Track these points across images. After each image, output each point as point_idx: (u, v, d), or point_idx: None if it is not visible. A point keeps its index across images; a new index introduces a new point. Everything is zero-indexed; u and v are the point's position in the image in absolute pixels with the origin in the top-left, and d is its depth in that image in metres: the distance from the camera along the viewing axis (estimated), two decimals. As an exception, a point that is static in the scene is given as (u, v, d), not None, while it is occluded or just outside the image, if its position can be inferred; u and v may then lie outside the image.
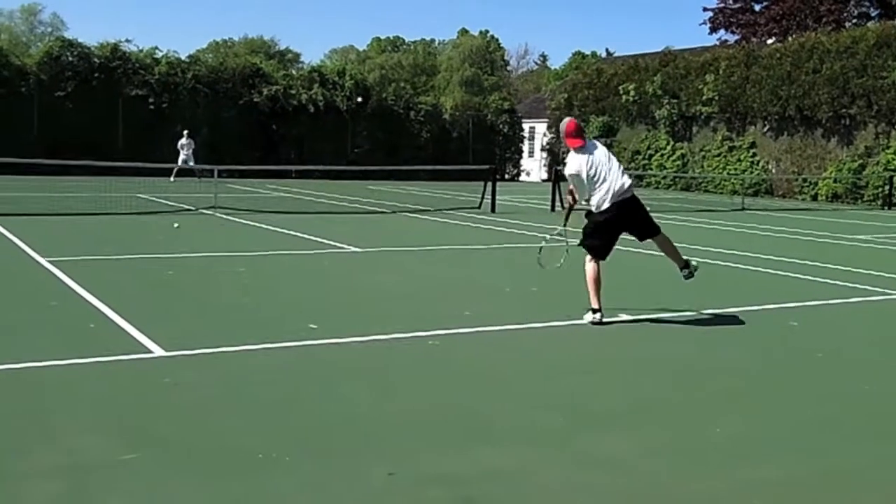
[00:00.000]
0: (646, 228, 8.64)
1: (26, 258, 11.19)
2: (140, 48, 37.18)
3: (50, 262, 10.72)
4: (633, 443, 4.94)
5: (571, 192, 8.75)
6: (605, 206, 8.22)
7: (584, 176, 8.19)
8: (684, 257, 8.89)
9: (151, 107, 35.59)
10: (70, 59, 34.80)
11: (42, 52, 36.22)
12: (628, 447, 4.86)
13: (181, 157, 30.75)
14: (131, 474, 4.25)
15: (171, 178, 30.05)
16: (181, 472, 4.31)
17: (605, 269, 8.34)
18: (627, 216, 8.38)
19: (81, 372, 6.01)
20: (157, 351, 6.55)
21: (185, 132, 31.51)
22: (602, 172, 8.16)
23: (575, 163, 8.24)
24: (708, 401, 5.89)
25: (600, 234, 8.39)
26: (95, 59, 35.20)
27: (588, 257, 8.40)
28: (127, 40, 37.11)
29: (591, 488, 4.27)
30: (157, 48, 37.54)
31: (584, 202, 8.59)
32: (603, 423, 5.30)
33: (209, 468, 4.36)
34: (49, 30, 71.82)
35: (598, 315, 8.14)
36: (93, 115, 34.04)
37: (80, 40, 36.07)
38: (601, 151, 8.33)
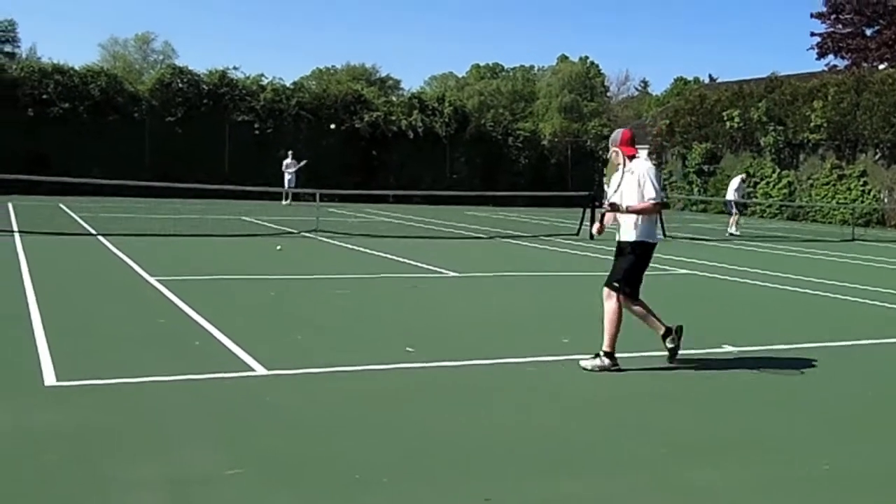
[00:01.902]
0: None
1: (136, 277, 11.60)
2: (247, 75, 38.28)
3: (158, 280, 11.09)
4: (732, 475, 4.82)
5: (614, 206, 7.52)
6: (653, 240, 7.53)
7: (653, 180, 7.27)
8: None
9: (256, 132, 36.54)
10: (180, 85, 36.03)
11: (154, 79, 37.60)
12: (726, 480, 4.75)
13: (286, 178, 31.37)
14: (234, 489, 4.35)
15: (285, 202, 30.78)
16: (282, 489, 4.39)
17: (708, 299, 8.17)
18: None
19: (187, 388, 6.19)
20: (260, 369, 6.71)
21: (290, 153, 32.20)
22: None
23: (645, 164, 7.44)
24: (814, 435, 5.71)
25: (640, 267, 7.49)
26: (204, 86, 36.37)
27: (615, 294, 7.36)
28: (234, 67, 38.25)
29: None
30: (262, 75, 38.61)
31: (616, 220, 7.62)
32: (701, 454, 5.19)
33: (309, 486, 4.44)
34: (161, 57, 74.51)
35: (671, 344, 7.43)
36: (200, 140, 35.13)
37: (190, 67, 37.39)
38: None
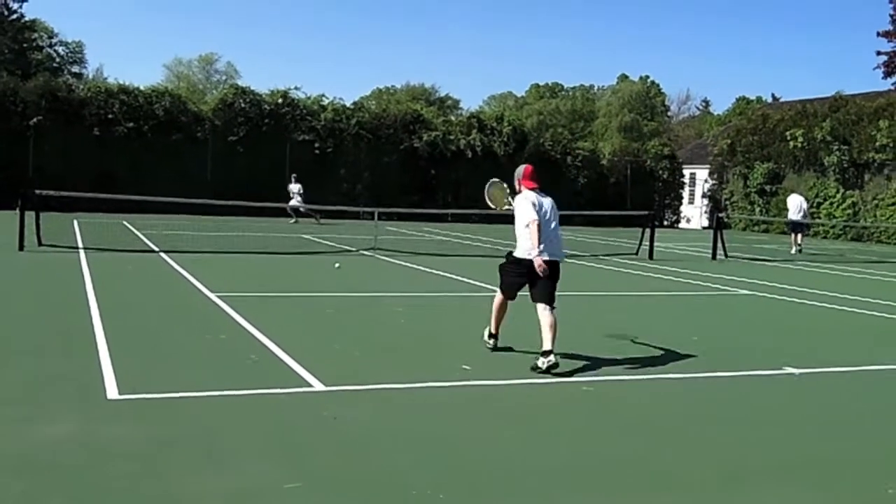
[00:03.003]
0: (544, 293, 8.17)
1: (197, 293, 11.80)
2: (308, 95, 38.77)
3: (219, 296, 11.27)
4: (799, 501, 4.74)
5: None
6: (527, 254, 8.21)
7: (532, 210, 8.20)
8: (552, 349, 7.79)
9: (317, 151, 36.95)
10: (243, 105, 36.62)
11: (217, 99, 38.28)
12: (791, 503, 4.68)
13: (294, 201, 30.86)
14: (294, 503, 4.40)
15: (292, 220, 30.76)
16: (340, 503, 4.42)
17: (770, 320, 8.07)
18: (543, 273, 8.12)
19: (248, 403, 6.28)
20: (318, 385, 6.78)
21: (293, 176, 31.91)
22: (544, 223, 8.24)
23: (532, 196, 8.35)
24: (878, 459, 5.59)
25: (516, 276, 8.49)
26: (266, 106, 36.91)
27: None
28: (296, 88, 38.75)
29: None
30: (323, 95, 39.07)
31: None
32: (764, 479, 5.11)
33: (365, 501, 4.47)
34: (224, 78, 75.91)
35: (492, 341, 8.64)
36: (262, 159, 35.63)
37: (252, 88, 37.99)
38: (551, 204, 8.51)
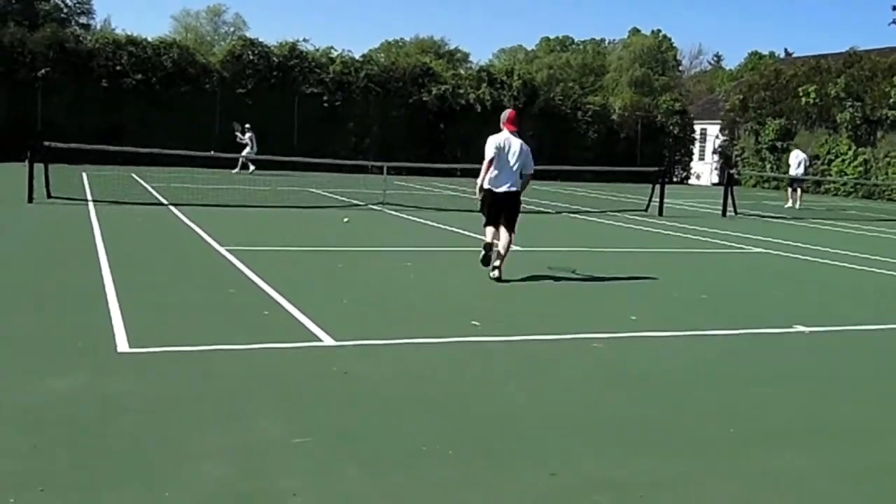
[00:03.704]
0: (502, 218, 10.31)
1: (207, 246, 11.78)
2: (316, 48, 38.42)
3: (228, 250, 11.25)
4: (810, 461, 4.73)
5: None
6: (494, 187, 10.21)
7: (497, 146, 10.15)
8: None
9: (325, 105, 36.72)
10: (251, 57, 36.33)
11: (225, 51, 37.99)
12: (804, 465, 4.66)
13: (248, 150, 30.11)
14: (302, 458, 4.41)
15: (240, 171, 30.33)
16: (349, 458, 4.43)
17: (781, 278, 8.02)
18: (506, 204, 10.27)
19: (257, 357, 6.28)
20: (327, 340, 6.77)
21: (247, 126, 30.90)
22: (504, 160, 10.17)
23: (499, 137, 10.24)
24: (892, 419, 5.56)
25: (491, 205, 10.32)
26: (274, 58, 36.63)
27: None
28: (304, 40, 38.57)
29: None
30: (332, 48, 38.72)
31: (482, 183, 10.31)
32: (778, 438, 5.09)
33: (375, 456, 4.47)
34: (232, 29, 75.43)
35: (485, 250, 10.19)
36: (270, 112, 35.42)
37: (260, 40, 37.66)
38: (519, 146, 10.26)
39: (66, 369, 5.73)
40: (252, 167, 30.45)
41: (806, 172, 27.59)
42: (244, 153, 29.75)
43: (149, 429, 4.72)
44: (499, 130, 10.44)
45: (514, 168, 10.21)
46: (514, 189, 10.25)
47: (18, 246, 11.42)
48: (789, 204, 25.88)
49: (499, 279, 9.86)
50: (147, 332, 6.78)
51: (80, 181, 22.10)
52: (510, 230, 10.28)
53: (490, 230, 10.34)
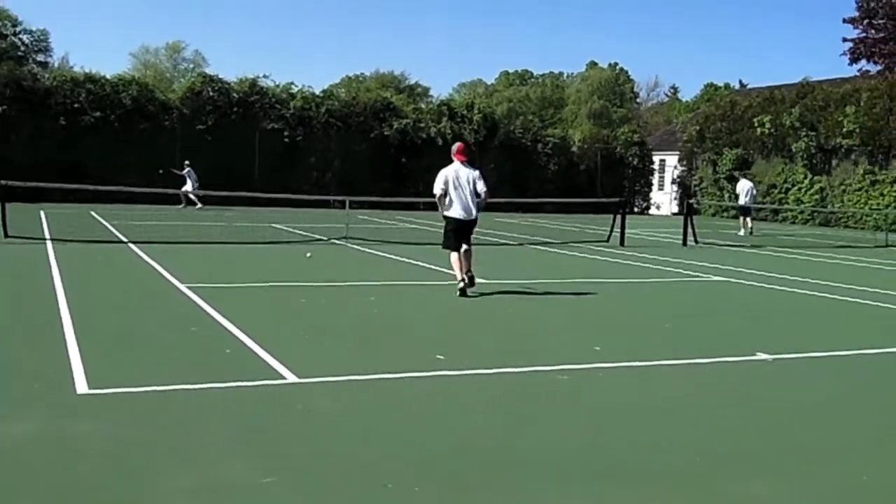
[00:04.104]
0: (466, 238, 11.60)
1: (167, 284, 11.66)
2: (277, 83, 38.48)
3: (189, 287, 11.13)
4: (776, 488, 4.74)
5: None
6: (449, 213, 11.43)
7: (445, 180, 11.34)
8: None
9: (286, 140, 36.71)
10: (211, 93, 36.29)
11: (185, 88, 37.91)
12: (770, 492, 4.67)
13: (189, 186, 30.30)
14: (269, 498, 4.34)
15: (192, 207, 30.48)
16: (316, 497, 4.37)
17: (741, 305, 8.09)
18: (468, 228, 11.60)
19: (220, 396, 6.19)
20: (290, 377, 6.70)
21: (186, 162, 31.11)
22: (457, 191, 11.34)
23: (446, 169, 11.45)
24: (855, 445, 5.61)
25: (454, 231, 11.53)
26: (234, 94, 36.61)
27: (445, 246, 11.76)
28: (264, 76, 38.47)
29: (730, 533, 4.11)
30: (292, 83, 38.81)
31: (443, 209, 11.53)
32: (742, 466, 5.10)
33: (342, 495, 4.41)
34: (191, 66, 75.08)
35: (461, 283, 11.28)
36: (231, 148, 35.33)
37: (220, 76, 37.63)
38: (467, 174, 11.40)
39: (24, 413, 5.61)
40: (198, 203, 30.40)
41: (754, 201, 29.03)
42: (184, 189, 29.70)
43: (110, 472, 4.63)
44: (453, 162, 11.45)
45: (469, 194, 11.36)
46: (473, 216, 11.55)
47: (-26, 287, 11.21)
48: (742, 232, 26.81)
49: (472, 281, 11.45)
50: (107, 373, 6.66)
51: (38, 220, 21.81)
52: (468, 243, 11.61)
53: (456, 259, 11.38)
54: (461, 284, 11.26)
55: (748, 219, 27.61)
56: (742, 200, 27.95)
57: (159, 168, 30.57)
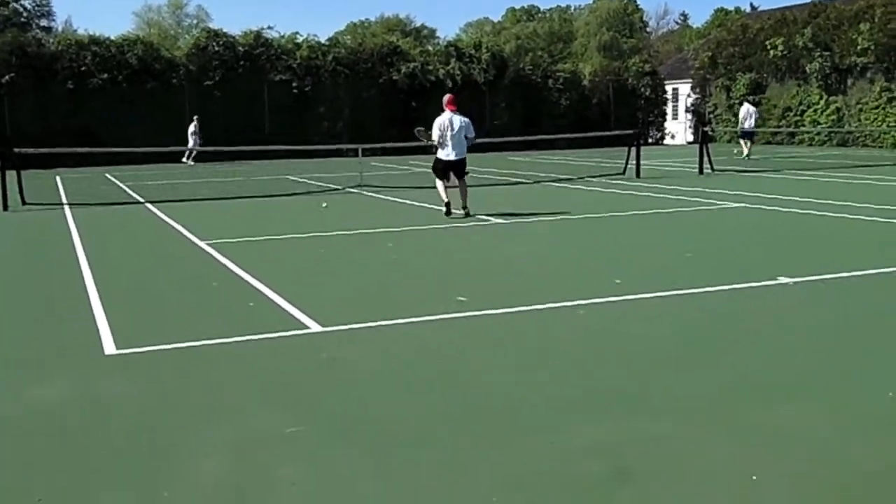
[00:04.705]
0: (459, 173, 13.75)
1: (186, 241, 11.71)
2: (281, 34, 38.11)
3: (208, 244, 11.19)
4: (803, 412, 4.76)
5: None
6: (440, 155, 13.59)
7: (440, 127, 13.40)
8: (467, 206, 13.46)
9: (295, 90, 36.49)
10: (216, 48, 36.01)
11: (190, 44, 37.64)
12: (798, 417, 4.69)
13: (192, 142, 30.69)
14: (296, 447, 4.40)
15: (189, 161, 30.92)
16: (344, 445, 4.42)
17: (760, 231, 8.04)
18: (454, 166, 13.69)
19: (245, 349, 6.25)
20: (315, 327, 6.75)
21: (196, 118, 31.65)
22: (448, 135, 13.40)
23: (440, 117, 13.51)
24: (880, 365, 5.61)
25: (442, 169, 13.70)
26: (240, 48, 36.31)
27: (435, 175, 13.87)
28: (269, 27, 38.21)
29: (756, 459, 4.14)
30: (297, 33, 38.41)
31: (434, 143, 13.65)
32: (770, 392, 5.12)
33: (369, 441, 4.47)
34: (195, 21, 74.62)
35: (445, 207, 13.34)
36: (240, 102, 35.19)
37: (224, 30, 37.31)
38: (459, 121, 13.46)
39: (54, 376, 5.70)
40: (185, 159, 30.72)
41: (756, 124, 29.47)
42: (190, 144, 30.01)
43: (142, 430, 4.70)
44: (451, 110, 13.53)
45: (458, 139, 13.46)
46: (461, 157, 13.60)
47: (-4, 255, 11.31)
48: (745, 152, 27.23)
49: (468, 214, 13.34)
50: (133, 333, 6.74)
51: (55, 185, 21.90)
52: (461, 178, 13.70)
53: (441, 184, 13.67)
54: (445, 209, 13.34)
55: (748, 142, 28.07)
56: (746, 124, 28.24)
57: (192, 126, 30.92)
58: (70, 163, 28.05)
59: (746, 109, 28.52)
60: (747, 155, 27.07)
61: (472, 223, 13.09)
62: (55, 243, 11.91)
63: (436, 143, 13.52)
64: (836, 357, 5.81)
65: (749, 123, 28.07)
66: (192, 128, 31.32)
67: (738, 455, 4.18)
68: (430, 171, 13.93)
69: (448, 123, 13.43)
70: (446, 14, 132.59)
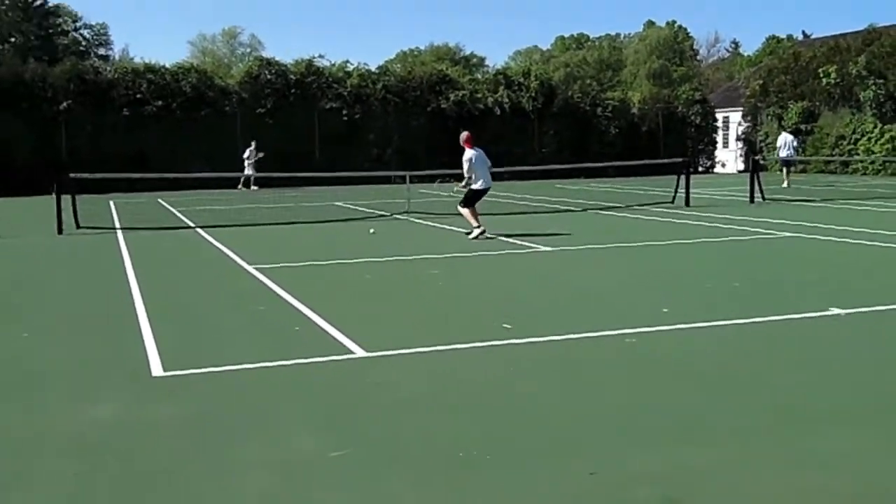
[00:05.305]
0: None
1: (234, 266, 11.84)
2: (332, 62, 38.55)
3: (256, 268, 11.29)
4: (856, 440, 4.66)
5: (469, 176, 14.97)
6: (478, 186, 14.92)
7: (471, 162, 14.82)
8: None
9: (345, 118, 36.83)
10: (268, 76, 36.51)
11: (243, 72, 38.21)
12: (851, 447, 4.59)
13: (248, 167, 31.24)
14: (340, 470, 4.40)
15: (248, 188, 31.36)
16: (387, 469, 4.42)
17: (813, 261, 7.91)
18: (485, 193, 15.20)
19: (290, 373, 6.28)
20: (359, 352, 6.77)
21: (253, 142, 32.10)
22: (485, 169, 15.02)
23: (470, 153, 14.91)
24: (934, 398, 5.47)
25: (476, 198, 15.02)
26: (291, 76, 36.78)
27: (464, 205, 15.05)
28: (320, 56, 38.58)
29: (809, 490, 4.05)
30: (348, 61, 38.84)
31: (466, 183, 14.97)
32: (821, 421, 5.02)
33: (414, 466, 4.45)
34: (248, 50, 75.79)
35: (479, 230, 14.54)
36: (291, 129, 35.58)
37: (277, 58, 37.84)
38: (482, 154, 15.09)
39: (104, 396, 5.77)
40: (241, 186, 31.18)
41: (795, 153, 30.03)
42: (247, 171, 30.53)
43: (188, 449, 4.74)
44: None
45: (487, 169, 15.10)
46: (490, 185, 15.21)
47: (50, 276, 11.53)
48: (784, 184, 27.10)
49: (483, 232, 14.47)
50: (180, 355, 6.81)
51: (108, 209, 22.29)
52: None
53: (469, 213, 14.85)
54: (480, 229, 14.49)
55: (789, 171, 28.31)
56: (782, 154, 28.59)
57: (258, 153, 31.51)
58: (124, 188, 28.55)
59: (783, 138, 28.90)
60: (786, 183, 27.11)
61: (518, 251, 13.06)
62: (107, 266, 12.11)
63: (468, 177, 14.93)
64: (891, 387, 5.68)
65: (787, 152, 28.39)
66: (247, 153, 31.81)
67: (790, 484, 4.09)
68: (462, 205, 14.98)
69: (477, 157, 14.89)
70: (496, 43, 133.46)
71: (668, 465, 4.39)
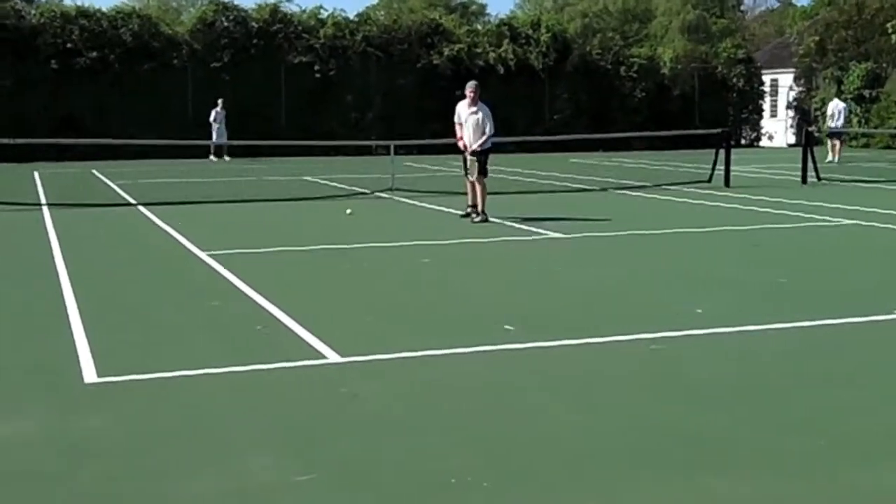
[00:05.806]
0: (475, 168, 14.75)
1: (184, 252, 11.85)
2: (302, 8, 38.55)
3: (210, 255, 11.30)
4: (917, 471, 4.70)
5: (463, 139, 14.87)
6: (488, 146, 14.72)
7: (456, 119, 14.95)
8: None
9: (317, 75, 36.78)
10: (225, 24, 36.46)
11: (195, 19, 38.16)
12: (909, 477, 4.63)
13: (214, 132, 31.41)
14: (306, 498, 4.42)
15: (213, 158, 31.46)
16: (362, 497, 4.44)
17: (874, 254, 7.96)
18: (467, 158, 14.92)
19: (250, 380, 6.30)
20: (333, 357, 6.79)
21: (220, 101, 32.15)
22: (466, 125, 14.73)
23: (457, 109, 14.97)
24: None
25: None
26: (253, 24, 36.73)
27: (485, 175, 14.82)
28: (288, 0, 38.50)
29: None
30: (321, 7, 38.81)
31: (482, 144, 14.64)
32: (872, 450, 5.05)
33: (396, 495, 4.47)
34: (201, -7, 75.45)
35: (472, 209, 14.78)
36: (252, 87, 35.52)
37: (235, 3, 37.72)
38: (470, 110, 14.65)
39: (24, 407, 5.78)
40: (213, 156, 31.14)
41: (848, 122, 30.71)
42: (214, 137, 30.47)
43: (125, 474, 4.75)
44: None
45: (472, 127, 14.75)
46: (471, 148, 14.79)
47: (-38, 263, 11.52)
48: (829, 158, 27.52)
49: (485, 220, 14.35)
50: (118, 358, 6.82)
51: (32, 182, 22.26)
52: (472, 175, 14.74)
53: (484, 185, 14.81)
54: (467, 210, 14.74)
55: (838, 144, 28.63)
56: (831, 123, 29.06)
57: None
58: (51, 156, 28.51)
59: (835, 105, 29.33)
60: (835, 160, 27.56)
61: (524, 238, 13.09)
62: (30, 251, 12.10)
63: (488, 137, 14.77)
64: (963, 409, 5.73)
65: (838, 122, 28.87)
66: (213, 115, 31.68)
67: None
68: (483, 176, 14.63)
69: (464, 113, 14.78)
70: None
71: (687, 496, 4.41)
